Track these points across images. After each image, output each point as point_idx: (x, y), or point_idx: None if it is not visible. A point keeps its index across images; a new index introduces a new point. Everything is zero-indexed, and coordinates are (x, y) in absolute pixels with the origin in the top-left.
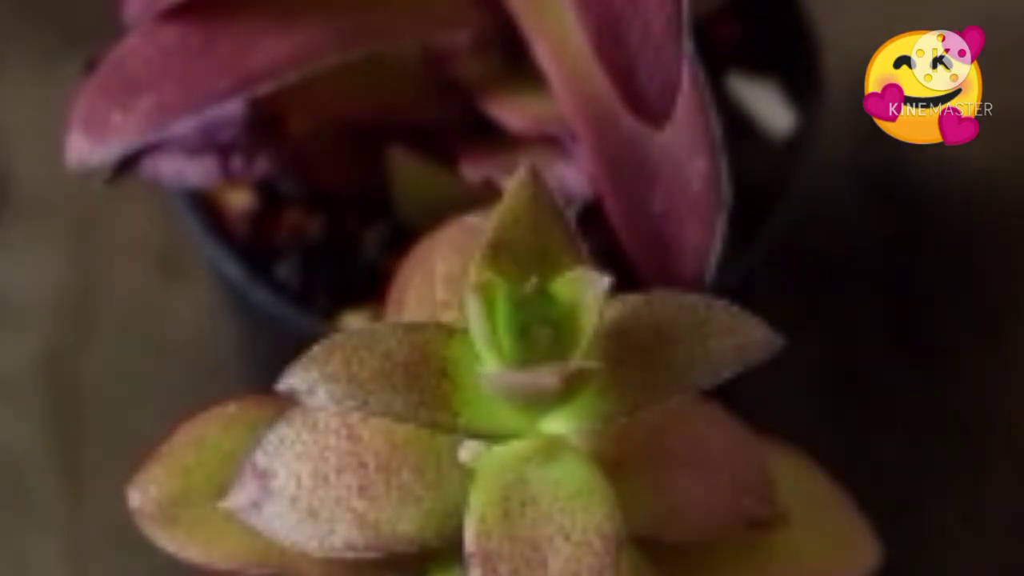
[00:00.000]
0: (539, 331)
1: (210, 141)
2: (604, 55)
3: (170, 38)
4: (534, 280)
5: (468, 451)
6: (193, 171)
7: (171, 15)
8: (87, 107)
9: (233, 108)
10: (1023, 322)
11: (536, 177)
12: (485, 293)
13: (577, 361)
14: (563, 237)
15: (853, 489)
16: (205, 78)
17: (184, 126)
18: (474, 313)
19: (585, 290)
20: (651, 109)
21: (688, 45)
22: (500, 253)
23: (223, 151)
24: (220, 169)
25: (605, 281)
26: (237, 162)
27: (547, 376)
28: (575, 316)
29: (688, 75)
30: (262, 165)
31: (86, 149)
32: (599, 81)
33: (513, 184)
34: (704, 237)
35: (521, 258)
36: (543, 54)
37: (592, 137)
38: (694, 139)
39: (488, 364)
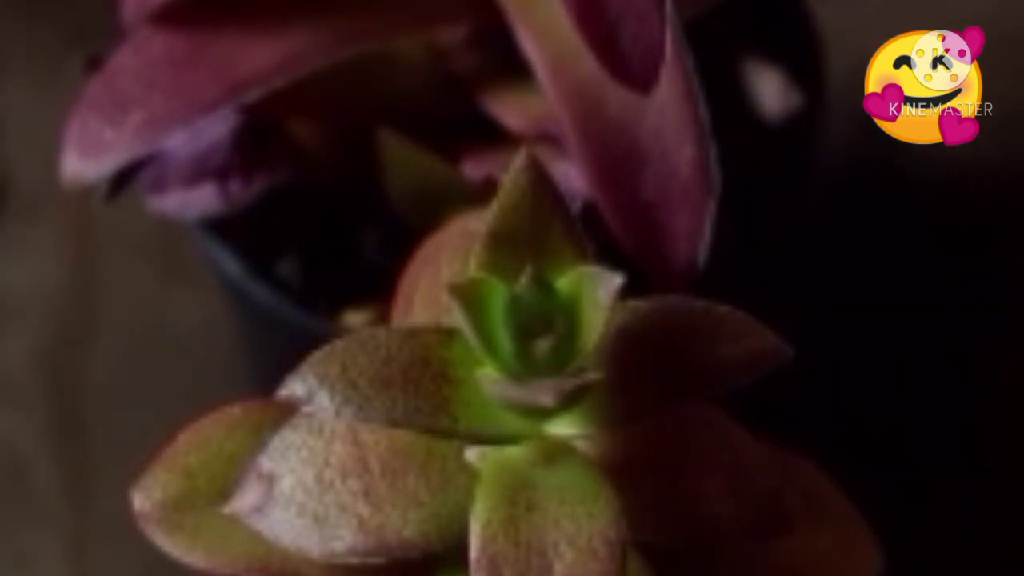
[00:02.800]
0: (541, 332)
1: (203, 169)
2: (583, 22)
3: (158, 50)
4: (529, 271)
5: (475, 451)
6: (194, 202)
7: (159, 25)
8: (79, 125)
9: (219, 132)
10: None
11: (534, 163)
12: (470, 292)
13: (575, 378)
14: (564, 228)
15: (856, 490)
16: (194, 88)
17: (176, 144)
18: (459, 315)
19: (594, 289)
20: (635, 74)
21: (671, 11)
22: (499, 245)
23: (219, 177)
24: (220, 195)
25: (616, 279)
26: (235, 185)
27: (543, 394)
28: (581, 316)
29: (675, 58)
30: (260, 182)
31: (80, 167)
32: (583, 67)
33: (511, 171)
34: (695, 224)
35: (520, 251)
36: (526, 41)
37: (578, 124)
38: (682, 125)
39: (485, 368)
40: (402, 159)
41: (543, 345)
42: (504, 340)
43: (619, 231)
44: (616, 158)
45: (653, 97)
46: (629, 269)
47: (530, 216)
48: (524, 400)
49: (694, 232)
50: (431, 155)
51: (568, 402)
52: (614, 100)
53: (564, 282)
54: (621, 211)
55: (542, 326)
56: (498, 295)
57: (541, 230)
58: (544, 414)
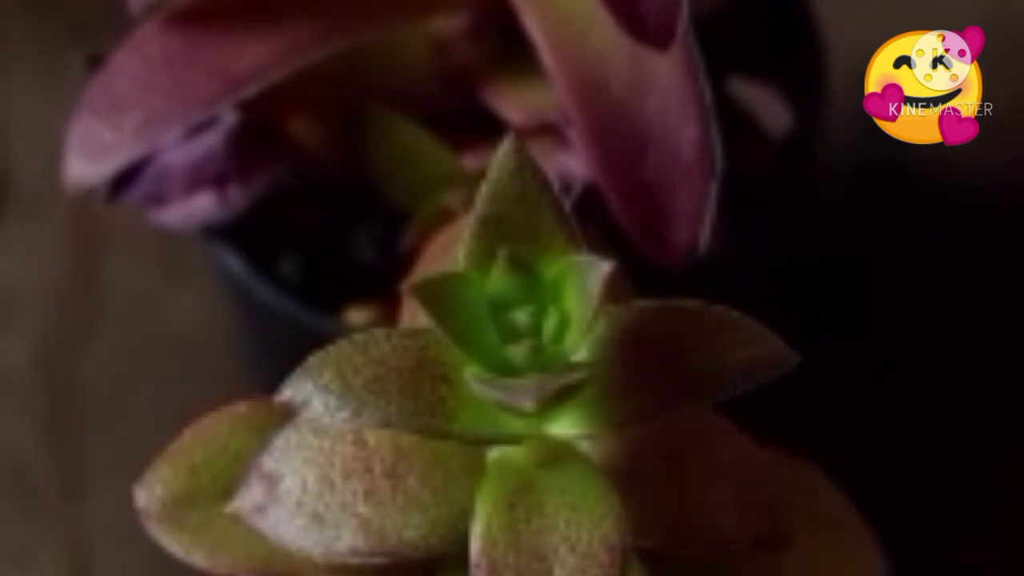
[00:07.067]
0: (530, 327)
1: (200, 178)
2: None
3: (154, 51)
4: (503, 254)
5: (477, 453)
6: (195, 211)
7: (158, 25)
8: (80, 129)
9: (214, 139)
10: None
11: (520, 148)
12: (440, 289)
13: (559, 378)
14: (553, 213)
15: (858, 492)
16: (191, 87)
17: (173, 155)
18: (427, 313)
19: (583, 277)
20: (652, 31)
21: None
22: (487, 234)
23: (217, 183)
24: (219, 201)
25: (606, 267)
26: (234, 190)
27: (523, 396)
28: (570, 308)
29: (679, 39)
30: (258, 184)
31: (82, 170)
32: (587, 47)
33: (496, 156)
34: (697, 205)
35: (510, 240)
36: (530, 22)
37: (581, 104)
38: (684, 106)
39: (470, 368)
40: (387, 132)
41: (526, 341)
42: (489, 336)
43: (621, 213)
44: (619, 138)
45: (656, 77)
46: (632, 257)
47: (518, 202)
48: (505, 401)
49: (696, 214)
50: (417, 129)
51: (552, 403)
52: (618, 80)
53: (551, 271)
54: (623, 192)
55: (531, 321)
56: (478, 289)
57: (530, 217)
58: (543, 414)
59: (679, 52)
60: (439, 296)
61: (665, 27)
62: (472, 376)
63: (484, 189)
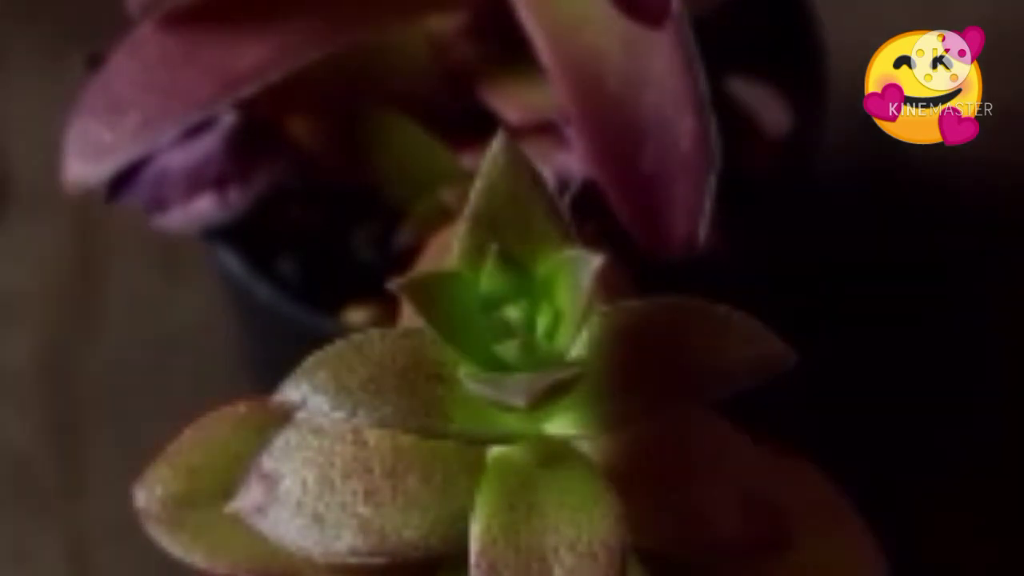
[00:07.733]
0: (522, 325)
1: (200, 181)
2: None
3: (153, 52)
4: (494, 251)
5: (477, 452)
6: (195, 214)
7: (156, 26)
8: (79, 130)
9: (213, 142)
10: None
11: (511, 145)
12: (430, 288)
13: (551, 375)
14: (546, 210)
15: (858, 492)
16: (189, 87)
17: (173, 159)
18: (417, 312)
19: (574, 272)
20: (646, 7)
21: None
22: (480, 231)
23: (216, 186)
24: (219, 204)
25: (596, 261)
26: (234, 192)
27: (515, 394)
28: (562, 303)
29: (674, 32)
30: (257, 186)
31: (81, 170)
32: (583, 41)
33: (489, 154)
34: (694, 197)
35: (503, 237)
36: (526, 17)
37: (578, 99)
38: (681, 98)
39: (463, 366)
40: (386, 132)
41: (519, 338)
42: (481, 334)
43: (619, 206)
44: (616, 132)
45: (653, 70)
46: (633, 259)
47: (510, 199)
48: (497, 399)
49: (694, 206)
50: (416, 128)
51: (546, 400)
52: (614, 74)
53: (543, 268)
54: (621, 186)
55: (523, 318)
56: (469, 287)
57: (522, 214)
58: (539, 412)
59: (675, 45)
60: (429, 295)
61: (657, 3)
62: (465, 375)
63: (476, 187)
